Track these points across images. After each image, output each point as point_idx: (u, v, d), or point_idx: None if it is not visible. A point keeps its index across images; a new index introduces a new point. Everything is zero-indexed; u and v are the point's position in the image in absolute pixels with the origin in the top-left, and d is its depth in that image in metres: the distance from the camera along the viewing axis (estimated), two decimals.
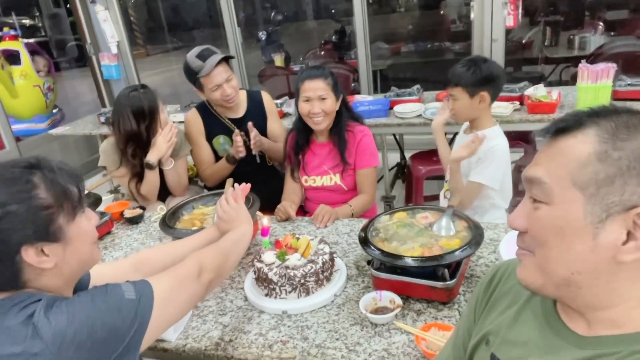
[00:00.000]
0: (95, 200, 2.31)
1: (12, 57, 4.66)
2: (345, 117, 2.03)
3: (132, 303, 0.92)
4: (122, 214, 2.04)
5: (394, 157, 3.94)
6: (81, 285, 1.07)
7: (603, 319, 0.64)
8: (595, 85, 2.58)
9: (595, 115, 0.63)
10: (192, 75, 2.23)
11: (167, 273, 1.09)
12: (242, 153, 2.24)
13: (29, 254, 0.86)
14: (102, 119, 3.82)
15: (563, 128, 0.64)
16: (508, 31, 3.71)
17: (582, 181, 0.60)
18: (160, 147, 2.18)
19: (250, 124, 2.23)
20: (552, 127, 0.66)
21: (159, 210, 2.10)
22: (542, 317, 0.73)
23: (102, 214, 1.96)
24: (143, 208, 2.10)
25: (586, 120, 0.63)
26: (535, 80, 3.04)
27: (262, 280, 1.42)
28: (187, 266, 1.13)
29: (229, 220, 1.40)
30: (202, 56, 2.19)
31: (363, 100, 3.26)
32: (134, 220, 2.03)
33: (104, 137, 3.73)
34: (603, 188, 0.59)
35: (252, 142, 2.23)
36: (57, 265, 0.90)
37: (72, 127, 3.98)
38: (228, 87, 2.22)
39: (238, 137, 2.22)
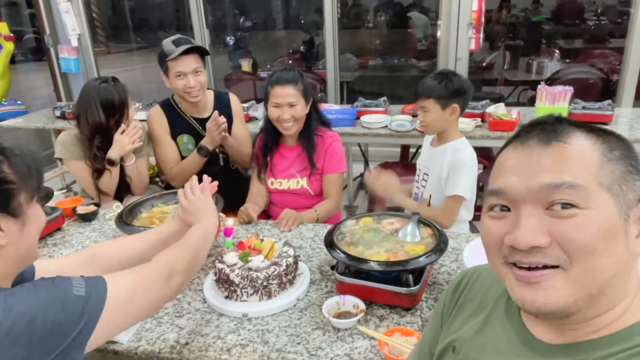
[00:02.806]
0: (47, 195, 2.19)
1: None
2: (315, 121, 2.02)
3: (79, 300, 0.86)
4: (74, 210, 1.94)
5: (358, 168, 3.96)
6: (24, 280, 1.00)
7: (579, 327, 0.63)
8: (552, 106, 2.70)
9: (560, 121, 0.65)
10: (162, 59, 2.17)
11: (130, 271, 1.02)
12: (224, 132, 2.19)
13: None
14: (58, 113, 3.65)
15: (553, 132, 0.63)
16: (470, 53, 3.85)
17: (605, 181, 0.60)
18: (122, 145, 2.10)
19: (216, 112, 2.18)
20: (547, 133, 0.63)
21: (114, 208, 2.01)
22: (508, 324, 0.73)
23: (52, 209, 1.86)
24: (97, 205, 2.01)
25: (565, 127, 0.64)
26: (495, 100, 3.15)
27: (222, 281, 1.37)
28: (155, 267, 1.05)
29: (194, 211, 1.31)
30: (177, 42, 2.16)
31: (330, 108, 3.27)
32: (87, 218, 1.93)
33: (59, 131, 3.57)
34: (622, 185, 0.60)
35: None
36: (8, 244, 0.86)
37: (24, 120, 3.78)
38: (193, 79, 2.16)
39: (217, 117, 2.13)
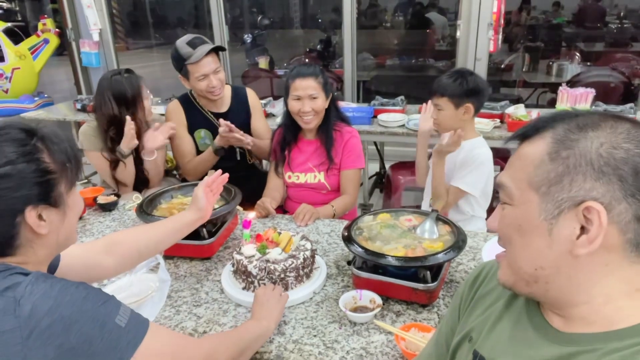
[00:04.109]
0: None
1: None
2: (333, 116, 2.02)
3: (117, 329, 0.83)
4: (95, 199, 1.97)
5: (373, 167, 3.96)
6: (52, 265, 1.02)
7: (576, 316, 0.65)
8: (573, 108, 2.67)
9: (553, 120, 0.66)
10: (180, 62, 2.17)
11: (175, 334, 0.98)
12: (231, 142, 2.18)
13: (31, 215, 0.84)
14: (78, 106, 3.72)
15: (524, 135, 0.68)
16: (489, 55, 3.81)
17: (536, 181, 0.63)
18: (156, 140, 2.17)
19: (222, 120, 2.17)
20: (516, 136, 0.70)
21: (134, 198, 2.04)
22: (525, 314, 0.74)
23: None
24: (118, 195, 2.04)
25: (544, 125, 0.66)
26: (514, 102, 3.12)
27: (240, 272, 1.38)
28: (197, 344, 1.00)
29: (263, 304, 1.23)
30: (193, 44, 2.14)
31: (347, 106, 3.27)
32: (108, 207, 1.96)
33: (79, 123, 3.64)
34: (554, 186, 0.62)
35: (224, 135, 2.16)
36: (49, 233, 0.87)
37: (46, 112, 3.86)
38: (215, 78, 2.17)
39: (225, 127, 2.12)
